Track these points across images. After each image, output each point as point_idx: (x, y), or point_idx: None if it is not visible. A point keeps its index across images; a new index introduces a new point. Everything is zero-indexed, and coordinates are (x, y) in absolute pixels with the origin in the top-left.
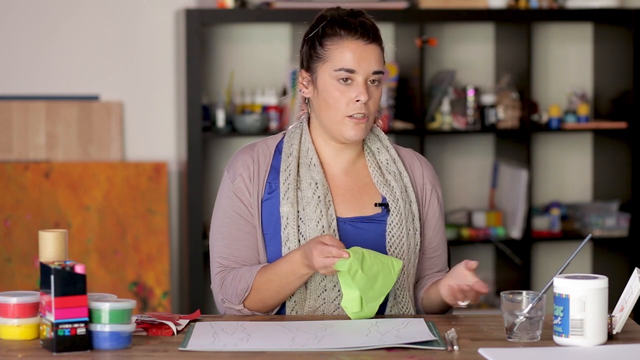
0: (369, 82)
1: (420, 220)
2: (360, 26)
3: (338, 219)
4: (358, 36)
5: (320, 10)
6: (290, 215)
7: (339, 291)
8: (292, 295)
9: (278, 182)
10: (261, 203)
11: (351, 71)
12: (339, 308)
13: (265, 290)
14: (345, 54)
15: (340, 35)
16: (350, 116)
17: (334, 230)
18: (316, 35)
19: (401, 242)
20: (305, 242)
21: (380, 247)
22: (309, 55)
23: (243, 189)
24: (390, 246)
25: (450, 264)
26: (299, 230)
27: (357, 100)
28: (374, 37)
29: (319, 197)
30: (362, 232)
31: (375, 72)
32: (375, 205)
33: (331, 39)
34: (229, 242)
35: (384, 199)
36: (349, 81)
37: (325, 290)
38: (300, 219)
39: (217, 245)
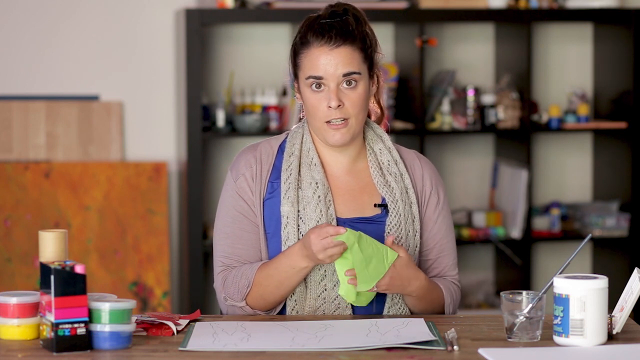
0: (342, 86)
1: (420, 222)
2: (328, 30)
3: (338, 219)
4: (324, 41)
5: (319, 10)
6: (290, 214)
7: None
8: (293, 294)
9: (280, 181)
10: (263, 202)
11: (319, 78)
12: (339, 308)
13: (265, 286)
14: (312, 61)
15: (309, 43)
16: (329, 122)
17: None
18: (295, 43)
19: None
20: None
21: None
22: (293, 63)
23: (246, 188)
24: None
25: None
26: (298, 229)
27: (329, 107)
28: (344, 39)
29: (319, 196)
30: None
31: (346, 74)
32: (375, 206)
33: (302, 48)
34: (231, 241)
35: (383, 199)
36: (322, 87)
37: (326, 289)
38: (301, 218)
39: (220, 245)
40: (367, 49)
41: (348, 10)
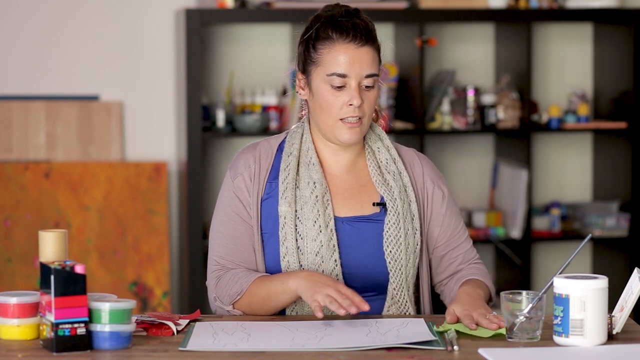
0: (362, 86)
1: (421, 219)
2: (353, 28)
3: (336, 218)
4: (350, 39)
5: (327, 8)
6: (287, 214)
7: None
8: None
9: (277, 182)
10: (261, 202)
11: (343, 76)
12: None
13: (254, 295)
14: (337, 58)
15: (332, 39)
16: (344, 119)
17: (331, 229)
18: (310, 37)
19: (399, 241)
20: (304, 239)
21: (378, 246)
22: (304, 57)
23: (242, 188)
24: (388, 246)
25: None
26: (296, 229)
27: (350, 104)
28: (366, 39)
29: (316, 196)
30: (360, 232)
31: (369, 75)
32: (374, 204)
33: (323, 43)
34: (226, 241)
35: (382, 198)
36: (343, 85)
37: None
38: (298, 218)
39: (215, 244)
40: (380, 52)
41: (359, 11)
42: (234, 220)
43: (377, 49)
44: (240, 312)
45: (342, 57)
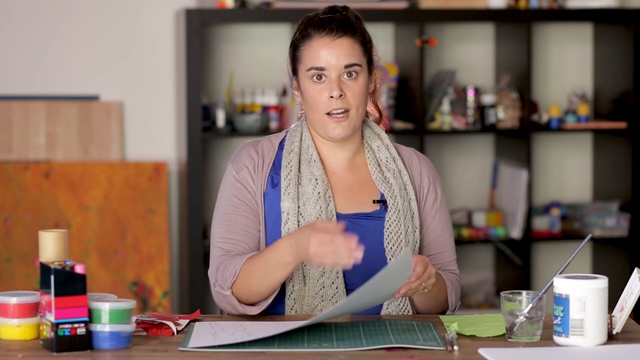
0: (343, 77)
1: (420, 218)
2: (329, 22)
3: (337, 215)
4: (325, 32)
5: (318, 10)
6: (290, 210)
7: (337, 288)
8: (292, 292)
9: (280, 177)
10: (263, 196)
11: (321, 69)
12: None
13: (251, 278)
14: (313, 52)
15: (310, 35)
16: (329, 114)
17: None
18: (295, 38)
19: (399, 239)
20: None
21: (378, 243)
22: (292, 59)
23: (248, 179)
24: (388, 243)
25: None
26: (299, 225)
27: (331, 97)
28: (344, 30)
29: (319, 192)
30: (361, 229)
31: (348, 66)
32: (374, 202)
33: (303, 41)
34: (232, 227)
35: (382, 195)
36: (323, 79)
37: (324, 287)
38: (301, 214)
39: (218, 232)
40: (367, 44)
41: (347, 8)
42: (239, 207)
43: (360, 40)
44: (238, 304)
45: (318, 51)
